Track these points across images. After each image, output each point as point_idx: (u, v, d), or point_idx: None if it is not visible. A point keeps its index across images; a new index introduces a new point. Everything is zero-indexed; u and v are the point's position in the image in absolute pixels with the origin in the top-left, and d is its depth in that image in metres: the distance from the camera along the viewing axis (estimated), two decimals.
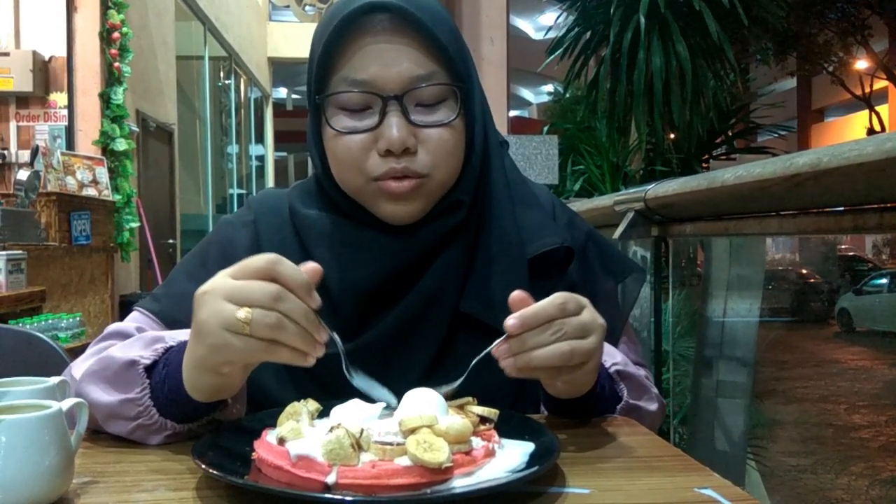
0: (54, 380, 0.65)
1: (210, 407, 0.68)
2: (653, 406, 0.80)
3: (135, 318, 0.82)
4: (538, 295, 0.67)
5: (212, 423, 0.70)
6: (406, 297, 0.77)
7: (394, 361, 0.77)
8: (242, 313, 0.59)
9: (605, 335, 0.68)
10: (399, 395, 0.65)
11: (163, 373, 0.67)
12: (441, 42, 0.74)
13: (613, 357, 0.80)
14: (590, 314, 0.67)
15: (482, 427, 0.62)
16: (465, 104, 0.78)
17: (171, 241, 6.47)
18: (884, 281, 11.29)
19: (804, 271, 13.19)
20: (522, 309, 0.64)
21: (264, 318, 0.59)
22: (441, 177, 0.76)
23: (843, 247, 14.91)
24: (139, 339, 0.72)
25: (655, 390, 0.84)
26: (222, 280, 0.61)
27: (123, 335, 0.77)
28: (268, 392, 0.77)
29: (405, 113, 0.74)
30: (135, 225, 5.13)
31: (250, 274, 0.61)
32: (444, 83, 0.75)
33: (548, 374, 0.67)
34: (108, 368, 0.68)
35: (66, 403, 0.57)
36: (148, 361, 0.68)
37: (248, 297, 0.59)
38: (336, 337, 0.64)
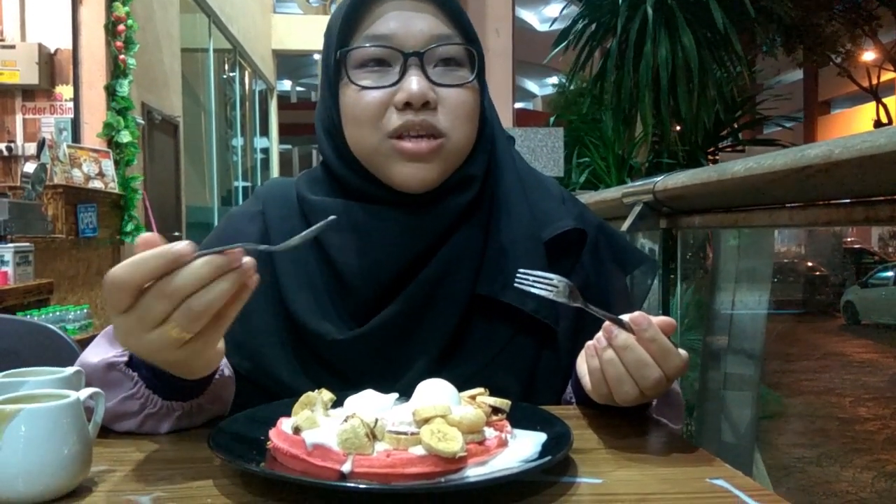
0: (71, 370, 0.66)
1: (205, 378, 0.68)
2: (676, 426, 0.78)
3: None
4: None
5: (218, 398, 0.71)
6: (420, 273, 0.77)
7: (410, 342, 0.77)
8: (175, 332, 0.56)
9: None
10: (416, 379, 0.65)
11: (146, 363, 0.66)
12: (458, 9, 0.77)
13: None
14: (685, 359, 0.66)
15: (494, 417, 0.63)
16: (480, 71, 0.79)
17: (176, 233, 6.49)
18: (890, 274, 11.26)
19: (810, 264, 13.16)
20: (663, 327, 0.64)
21: (187, 316, 0.56)
22: (458, 138, 0.76)
23: (848, 239, 14.87)
24: (104, 336, 0.71)
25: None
26: (122, 320, 0.57)
27: None
28: (280, 380, 0.77)
29: (425, 70, 0.75)
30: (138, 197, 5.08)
31: (126, 299, 0.56)
32: (462, 43, 0.77)
33: (620, 387, 0.65)
34: (91, 377, 0.68)
35: (84, 393, 0.58)
36: (124, 359, 0.68)
37: (153, 317, 0.56)
38: (247, 247, 0.59)
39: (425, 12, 0.76)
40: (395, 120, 0.74)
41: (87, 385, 0.67)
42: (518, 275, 0.68)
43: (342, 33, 0.77)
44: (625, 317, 0.65)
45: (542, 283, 0.67)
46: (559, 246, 0.82)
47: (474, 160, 0.79)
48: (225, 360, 0.72)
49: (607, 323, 0.66)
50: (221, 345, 0.64)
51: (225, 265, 0.57)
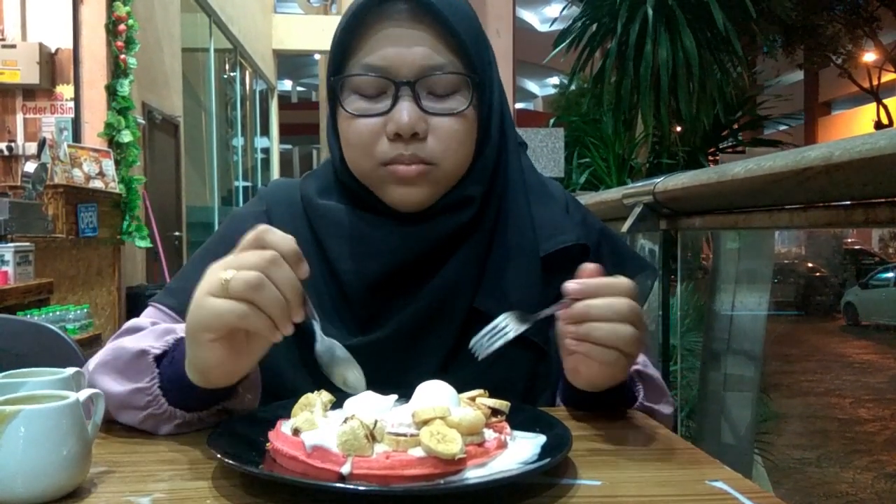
0: (70, 370, 0.66)
1: (216, 396, 0.68)
2: (667, 410, 0.80)
3: (150, 314, 0.82)
4: (553, 292, 0.67)
5: (222, 412, 0.71)
6: (421, 292, 0.78)
7: (409, 356, 0.78)
8: (227, 274, 0.59)
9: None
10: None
11: (169, 362, 0.67)
12: (458, 32, 0.75)
13: None
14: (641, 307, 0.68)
15: (494, 419, 0.63)
16: (480, 96, 0.78)
17: (177, 233, 6.49)
18: (890, 275, 11.27)
19: (810, 265, 13.17)
20: (589, 276, 0.66)
21: (245, 276, 0.59)
22: (449, 166, 0.76)
23: (849, 240, 14.88)
24: (152, 331, 0.72)
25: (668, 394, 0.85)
26: (225, 257, 0.63)
27: (139, 331, 0.77)
28: (283, 380, 0.77)
29: (417, 99, 0.74)
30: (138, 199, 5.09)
31: (245, 246, 0.62)
32: (457, 72, 0.75)
33: (601, 353, 0.65)
34: (119, 359, 0.69)
35: (83, 394, 0.58)
36: (158, 351, 0.68)
37: (240, 264, 0.60)
38: (312, 309, 0.64)
39: (421, 39, 0.74)
40: (387, 150, 0.75)
41: (112, 367, 0.69)
42: (473, 344, 0.69)
43: (337, 57, 0.77)
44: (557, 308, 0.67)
45: (494, 336, 0.68)
46: (562, 257, 0.83)
47: (470, 182, 0.79)
48: (253, 382, 0.73)
49: (559, 313, 0.67)
50: (244, 368, 0.65)
51: (296, 297, 0.61)
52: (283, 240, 0.61)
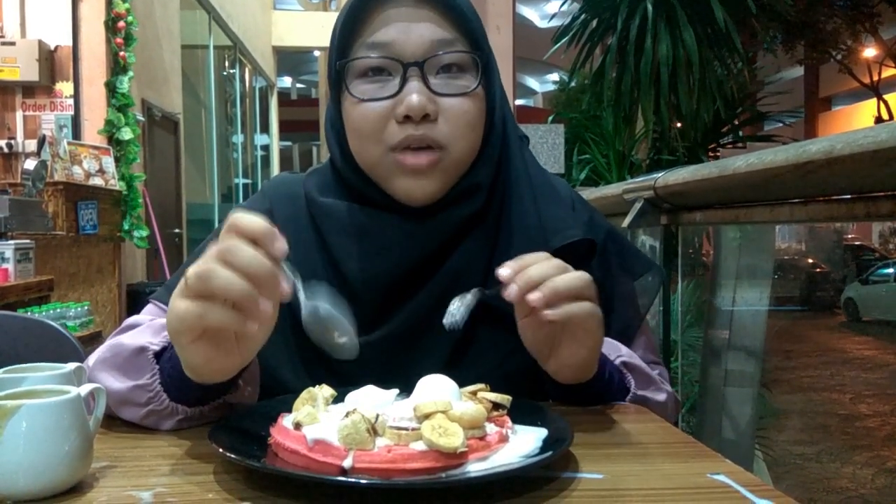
0: (72, 365, 0.66)
1: (217, 390, 0.68)
2: (660, 396, 0.80)
3: (150, 311, 0.82)
4: None
5: (224, 406, 0.71)
6: (427, 285, 0.77)
7: (416, 350, 0.77)
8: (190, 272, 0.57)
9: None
10: None
11: (169, 357, 0.67)
12: (463, 12, 0.75)
13: (618, 350, 0.80)
14: None
15: (495, 413, 0.63)
16: (486, 78, 0.77)
17: (177, 230, 6.49)
18: (890, 270, 11.26)
19: (810, 260, 13.17)
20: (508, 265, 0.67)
21: (197, 269, 0.57)
22: (459, 150, 0.75)
23: (849, 236, 14.87)
24: (149, 326, 0.72)
25: (668, 387, 0.84)
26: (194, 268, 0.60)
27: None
28: (284, 383, 0.77)
29: (425, 80, 0.73)
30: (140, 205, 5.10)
31: (219, 240, 0.59)
32: (465, 51, 0.75)
33: (565, 311, 0.65)
34: (118, 355, 0.69)
35: (84, 389, 0.58)
36: (157, 347, 0.68)
37: (203, 259, 0.58)
38: (296, 281, 0.62)
39: (426, 18, 0.74)
40: (396, 133, 0.73)
41: (112, 364, 0.69)
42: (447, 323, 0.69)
43: (341, 41, 0.76)
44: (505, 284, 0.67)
45: (459, 309, 0.69)
46: (569, 254, 0.82)
47: (479, 169, 0.78)
48: (252, 374, 0.72)
49: (509, 296, 0.67)
50: (236, 364, 0.64)
51: (265, 276, 0.57)
52: (251, 222, 0.58)
